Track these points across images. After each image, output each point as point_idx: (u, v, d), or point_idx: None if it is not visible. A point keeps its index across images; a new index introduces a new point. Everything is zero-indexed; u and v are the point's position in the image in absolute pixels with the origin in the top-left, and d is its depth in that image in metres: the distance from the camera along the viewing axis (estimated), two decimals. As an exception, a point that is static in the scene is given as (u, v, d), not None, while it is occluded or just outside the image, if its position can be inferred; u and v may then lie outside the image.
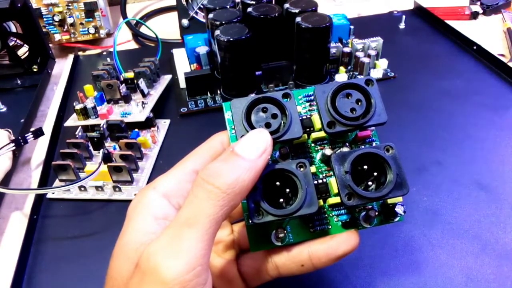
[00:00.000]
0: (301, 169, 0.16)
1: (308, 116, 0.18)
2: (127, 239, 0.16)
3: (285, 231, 0.17)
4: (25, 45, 0.45)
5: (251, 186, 0.15)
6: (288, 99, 0.17)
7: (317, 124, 0.18)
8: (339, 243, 0.17)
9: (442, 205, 0.28)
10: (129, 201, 0.29)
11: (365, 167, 0.16)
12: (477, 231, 0.26)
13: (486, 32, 0.50)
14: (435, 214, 0.27)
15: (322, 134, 0.18)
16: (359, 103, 0.17)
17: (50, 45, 0.48)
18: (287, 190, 0.16)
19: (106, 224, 0.28)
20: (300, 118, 0.18)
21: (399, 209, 0.18)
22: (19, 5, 0.41)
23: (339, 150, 0.18)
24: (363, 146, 0.19)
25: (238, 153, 0.15)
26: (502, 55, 0.45)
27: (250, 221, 0.16)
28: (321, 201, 0.18)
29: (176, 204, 0.17)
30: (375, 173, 0.16)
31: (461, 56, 0.44)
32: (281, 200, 0.16)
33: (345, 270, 0.24)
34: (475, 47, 0.44)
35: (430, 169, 0.31)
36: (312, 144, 0.19)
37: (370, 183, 0.17)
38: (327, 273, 0.24)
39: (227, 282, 0.19)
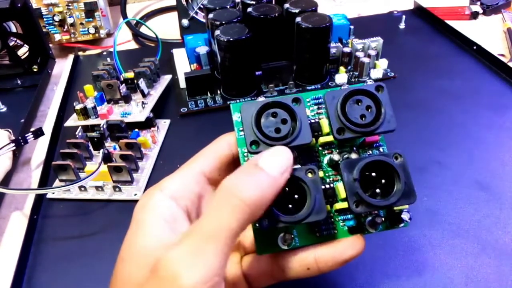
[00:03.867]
0: (310, 175, 0.16)
1: (317, 120, 0.18)
2: (139, 243, 0.15)
3: (292, 235, 0.17)
4: (25, 45, 0.45)
5: (271, 201, 0.15)
6: (298, 103, 0.17)
7: (325, 128, 0.18)
8: (345, 247, 0.17)
9: (442, 205, 0.28)
10: (129, 201, 0.30)
11: (373, 174, 0.16)
12: (477, 231, 0.26)
13: (486, 32, 0.50)
14: (435, 214, 0.27)
15: (330, 138, 0.18)
16: (369, 110, 0.17)
17: (50, 45, 0.48)
18: (296, 196, 0.16)
19: (106, 224, 0.28)
20: (309, 122, 0.18)
21: (405, 216, 0.18)
22: (19, 5, 0.41)
23: (346, 156, 0.18)
24: (370, 151, 0.19)
25: (263, 168, 0.15)
26: (502, 55, 0.45)
27: (257, 225, 0.16)
28: (328, 206, 0.18)
29: (184, 206, 0.17)
30: (383, 180, 0.16)
31: (461, 56, 0.44)
32: (290, 205, 0.16)
33: (346, 270, 0.24)
34: (475, 47, 0.44)
35: (430, 169, 0.31)
36: (320, 148, 0.19)
37: (378, 190, 0.17)
38: (327, 274, 0.24)
39: (231, 284, 0.19)
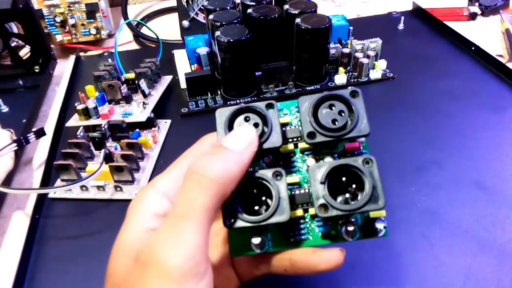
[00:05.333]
0: (278, 178, 0.16)
1: (296, 126, 0.18)
2: (125, 236, 0.16)
3: (260, 238, 0.17)
4: (26, 46, 0.45)
5: (240, 177, 0.16)
6: (272, 109, 0.17)
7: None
8: (320, 260, 0.17)
9: (441, 205, 0.28)
10: (131, 200, 0.30)
11: (343, 179, 0.16)
12: (476, 230, 0.26)
13: (484, 33, 0.50)
14: (434, 213, 0.28)
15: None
16: (342, 114, 0.17)
17: (52, 45, 0.48)
18: (263, 198, 0.17)
19: (108, 224, 0.29)
20: (289, 127, 0.18)
21: (379, 225, 0.17)
22: (20, 6, 0.41)
23: (321, 161, 0.18)
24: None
25: (226, 147, 0.16)
26: (501, 55, 0.46)
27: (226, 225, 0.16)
28: (301, 211, 0.18)
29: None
30: (354, 186, 0.16)
31: (459, 57, 0.44)
32: (257, 207, 0.17)
33: (344, 269, 0.24)
34: (473, 48, 0.44)
35: (429, 169, 0.31)
36: (300, 154, 0.19)
37: (348, 195, 0.16)
38: (324, 272, 0.24)
39: (224, 277, 0.19)
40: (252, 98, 0.39)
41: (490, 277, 0.24)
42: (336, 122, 0.17)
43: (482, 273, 0.24)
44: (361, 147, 0.18)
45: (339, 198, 0.17)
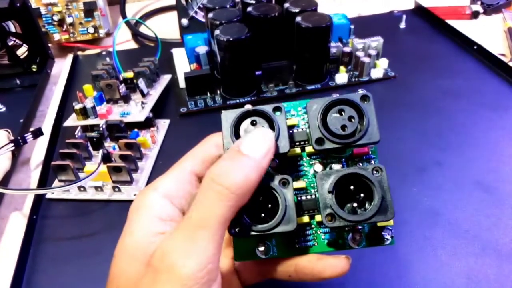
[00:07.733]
0: (285, 186, 0.16)
1: (304, 129, 0.18)
2: (134, 240, 0.16)
3: (265, 245, 0.17)
4: (24, 44, 0.45)
5: (257, 185, 0.15)
6: (279, 112, 0.17)
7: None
8: (325, 267, 0.17)
9: (443, 206, 0.28)
10: (129, 201, 0.30)
11: (352, 187, 0.16)
12: (478, 231, 0.26)
13: (486, 32, 0.50)
14: (435, 214, 0.27)
15: None
16: (352, 120, 0.16)
17: (49, 44, 0.48)
18: (269, 205, 0.16)
19: (106, 224, 0.28)
20: (296, 130, 0.17)
21: (386, 234, 0.17)
22: (18, 4, 0.41)
23: (327, 168, 0.18)
24: (360, 164, 0.18)
25: (244, 152, 0.15)
26: (503, 54, 0.45)
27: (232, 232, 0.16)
28: (307, 218, 0.18)
29: (179, 204, 0.17)
30: (362, 195, 0.16)
31: (461, 56, 0.44)
32: (263, 214, 0.16)
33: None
34: (475, 47, 0.44)
35: (430, 169, 0.31)
36: (307, 158, 0.18)
37: (355, 204, 0.16)
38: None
39: (227, 281, 0.19)
40: (252, 98, 0.39)
41: (492, 278, 0.24)
42: (346, 128, 0.16)
43: (484, 274, 0.24)
44: (370, 152, 0.18)
45: (347, 206, 0.16)
